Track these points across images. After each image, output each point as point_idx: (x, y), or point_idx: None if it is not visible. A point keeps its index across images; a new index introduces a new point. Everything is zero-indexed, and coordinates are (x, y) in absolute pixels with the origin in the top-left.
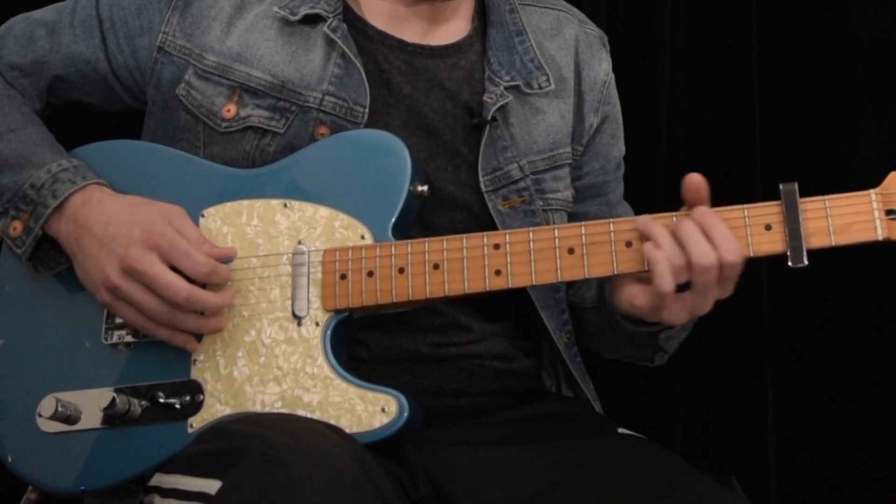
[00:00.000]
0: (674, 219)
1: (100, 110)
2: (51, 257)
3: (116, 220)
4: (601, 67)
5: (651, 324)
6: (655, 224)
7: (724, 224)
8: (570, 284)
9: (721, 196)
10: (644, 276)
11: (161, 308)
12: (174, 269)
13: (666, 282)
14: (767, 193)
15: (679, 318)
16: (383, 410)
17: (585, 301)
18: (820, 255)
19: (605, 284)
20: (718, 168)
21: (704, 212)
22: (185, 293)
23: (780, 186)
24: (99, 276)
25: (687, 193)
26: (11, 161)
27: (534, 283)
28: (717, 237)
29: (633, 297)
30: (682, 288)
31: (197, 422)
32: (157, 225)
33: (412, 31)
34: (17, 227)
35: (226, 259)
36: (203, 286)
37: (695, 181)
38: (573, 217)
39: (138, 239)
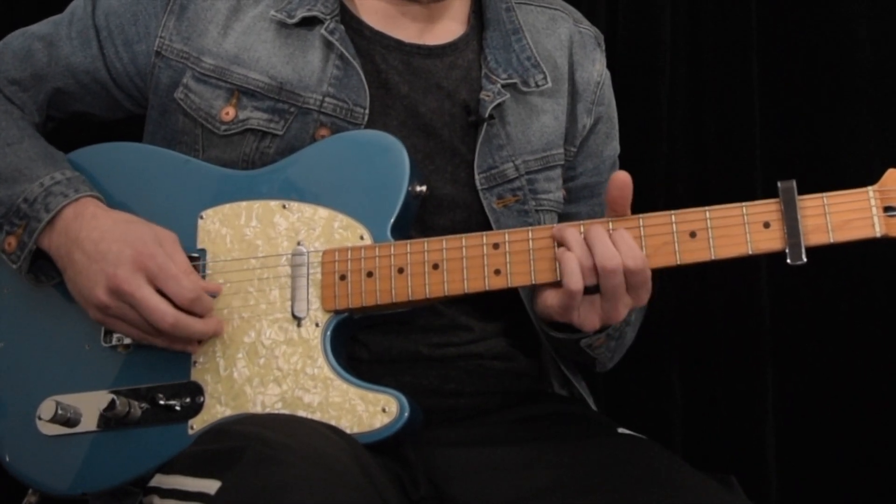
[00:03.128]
0: (610, 224)
1: (103, 120)
2: (50, 268)
3: (108, 237)
4: (594, 68)
5: (570, 331)
6: (567, 228)
7: (630, 234)
8: None
9: (720, 194)
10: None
11: (150, 327)
12: (161, 292)
13: (574, 279)
14: (767, 193)
15: (590, 321)
16: (384, 410)
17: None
18: (819, 253)
19: None
20: (718, 167)
21: (613, 228)
22: (171, 320)
23: (779, 184)
24: (88, 293)
25: (612, 190)
26: (6, 175)
27: (533, 282)
28: (621, 244)
29: (546, 297)
30: (593, 291)
31: (197, 423)
32: (148, 246)
33: (409, 31)
34: (11, 243)
35: (211, 293)
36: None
37: (621, 178)
38: (565, 218)
39: (128, 259)
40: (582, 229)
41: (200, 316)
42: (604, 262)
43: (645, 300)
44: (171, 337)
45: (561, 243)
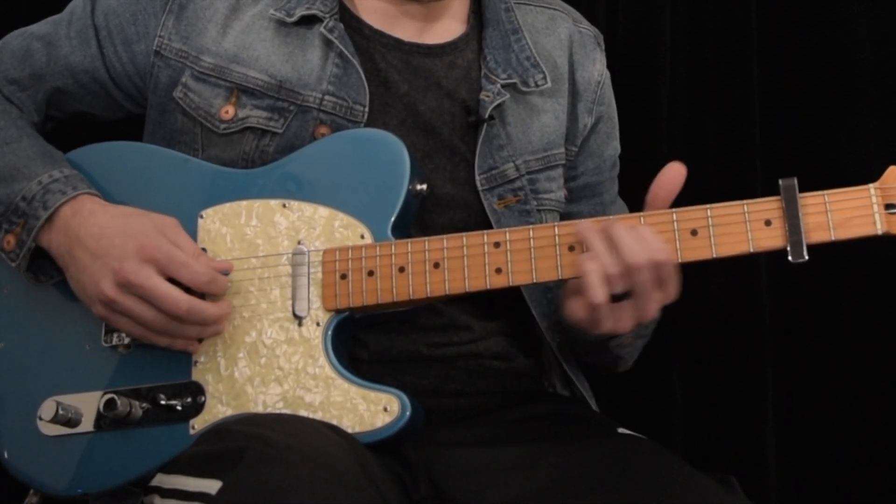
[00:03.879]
0: (642, 219)
1: (102, 119)
2: (49, 266)
3: (110, 232)
4: (595, 67)
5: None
6: (591, 232)
7: (651, 230)
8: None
9: (720, 194)
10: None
11: (160, 319)
12: (170, 280)
13: (595, 293)
14: (767, 193)
15: (623, 326)
16: (385, 410)
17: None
18: (819, 251)
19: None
20: (718, 167)
21: (633, 222)
22: (185, 305)
23: (780, 182)
24: (93, 289)
25: (667, 173)
26: (5, 174)
27: (534, 280)
28: (647, 238)
29: (574, 312)
30: (618, 298)
31: (198, 423)
32: (152, 237)
33: (408, 30)
34: (10, 241)
35: (223, 271)
36: (201, 296)
37: (677, 169)
38: (567, 217)
39: (133, 251)
40: (601, 227)
41: (218, 297)
42: (631, 258)
43: (674, 294)
44: (181, 328)
45: (584, 245)
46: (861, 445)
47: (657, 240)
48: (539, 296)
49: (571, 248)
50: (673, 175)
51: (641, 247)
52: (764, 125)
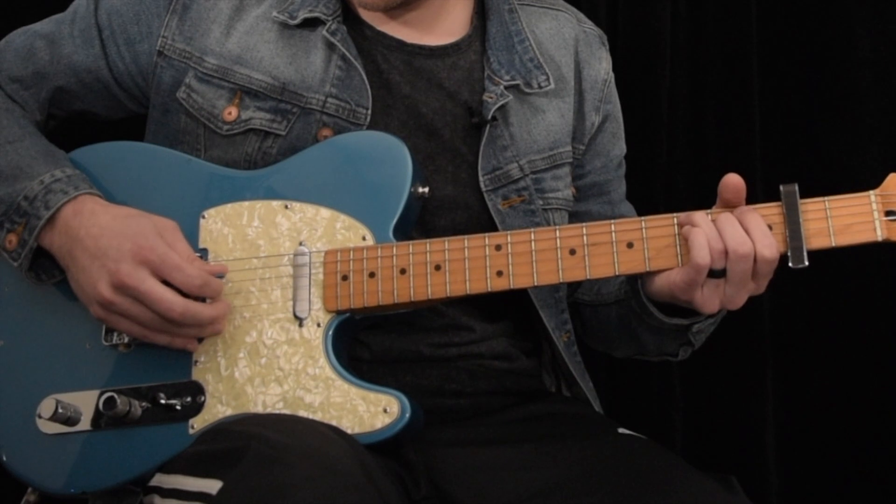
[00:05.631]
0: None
1: (104, 119)
2: (51, 266)
3: (108, 233)
4: (601, 66)
5: (683, 315)
6: (696, 212)
7: (763, 221)
8: (578, 284)
9: None
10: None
11: (156, 319)
12: (166, 282)
13: (702, 254)
14: (768, 195)
15: (710, 304)
16: (385, 411)
17: (603, 297)
18: (818, 254)
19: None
20: (718, 169)
21: (745, 209)
22: (179, 309)
23: (781, 187)
24: (91, 290)
25: (725, 193)
26: (7, 173)
27: (535, 283)
28: (755, 231)
29: (669, 274)
30: (717, 275)
31: (198, 423)
32: (149, 239)
33: (411, 32)
34: (12, 241)
35: (218, 274)
36: (201, 298)
37: (733, 182)
38: (575, 216)
39: (129, 253)
40: (710, 217)
41: (212, 300)
42: (736, 246)
43: (764, 288)
44: (179, 329)
45: (689, 223)
46: (861, 446)
47: (767, 234)
48: (546, 295)
49: (572, 252)
50: (732, 192)
51: (745, 237)
52: (764, 125)
